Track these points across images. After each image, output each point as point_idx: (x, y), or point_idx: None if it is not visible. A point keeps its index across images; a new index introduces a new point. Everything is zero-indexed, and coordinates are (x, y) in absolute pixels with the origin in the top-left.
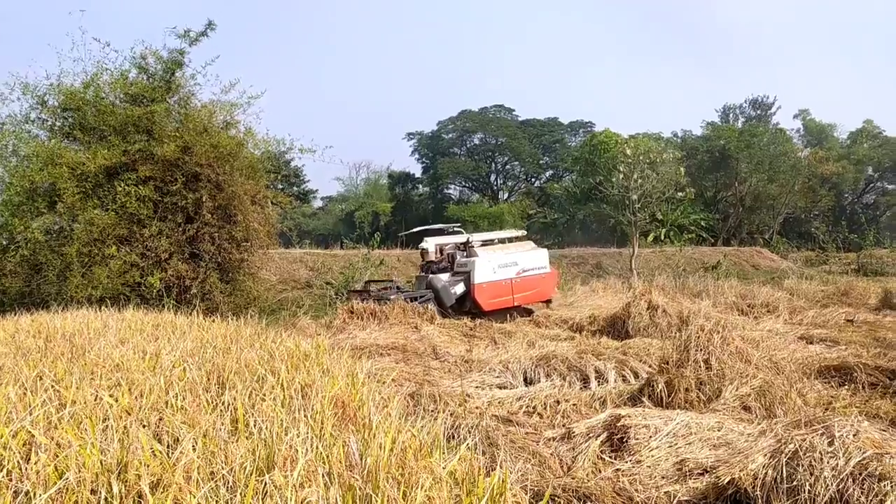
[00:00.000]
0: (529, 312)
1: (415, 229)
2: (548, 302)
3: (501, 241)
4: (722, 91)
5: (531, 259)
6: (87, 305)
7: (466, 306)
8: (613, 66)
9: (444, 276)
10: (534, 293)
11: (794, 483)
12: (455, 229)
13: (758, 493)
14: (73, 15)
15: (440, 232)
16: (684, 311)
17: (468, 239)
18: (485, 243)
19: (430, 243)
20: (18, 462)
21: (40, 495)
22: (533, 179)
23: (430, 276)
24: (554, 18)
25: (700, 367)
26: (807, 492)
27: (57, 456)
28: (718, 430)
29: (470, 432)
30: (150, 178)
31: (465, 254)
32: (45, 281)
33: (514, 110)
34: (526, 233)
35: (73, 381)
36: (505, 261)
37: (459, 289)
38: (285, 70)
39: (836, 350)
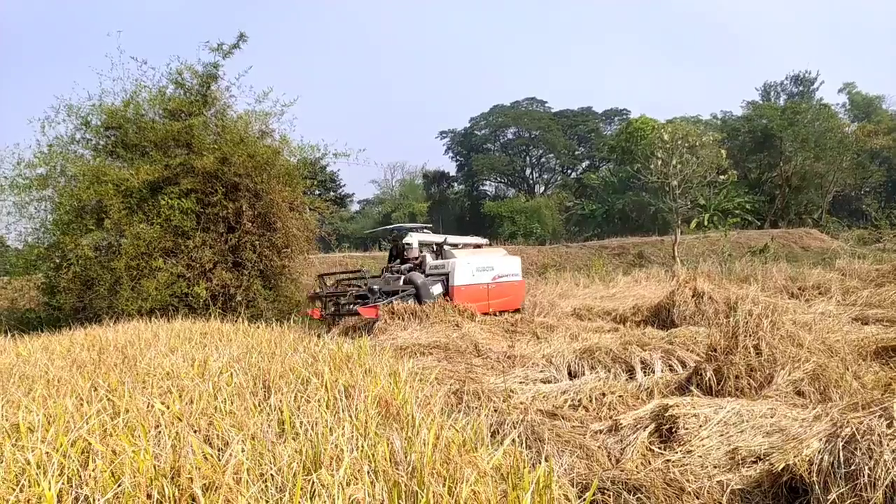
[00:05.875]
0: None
1: (379, 228)
2: (517, 311)
3: (465, 245)
4: (761, 70)
5: (506, 265)
6: (137, 317)
7: None
8: (647, 51)
9: (419, 274)
10: (506, 300)
11: (852, 467)
12: (424, 230)
13: (814, 478)
14: (111, 36)
15: (402, 230)
16: (731, 297)
17: (444, 240)
18: (454, 246)
19: (414, 239)
20: (77, 469)
21: (98, 499)
22: (569, 171)
23: (408, 273)
24: (581, 7)
25: (750, 352)
26: (866, 476)
27: (112, 462)
28: (771, 417)
29: (514, 427)
30: (192, 191)
31: (435, 255)
32: (97, 296)
33: (546, 102)
34: (489, 241)
35: (125, 390)
36: (482, 264)
37: (437, 289)
38: (315, 75)
39: (894, 330)
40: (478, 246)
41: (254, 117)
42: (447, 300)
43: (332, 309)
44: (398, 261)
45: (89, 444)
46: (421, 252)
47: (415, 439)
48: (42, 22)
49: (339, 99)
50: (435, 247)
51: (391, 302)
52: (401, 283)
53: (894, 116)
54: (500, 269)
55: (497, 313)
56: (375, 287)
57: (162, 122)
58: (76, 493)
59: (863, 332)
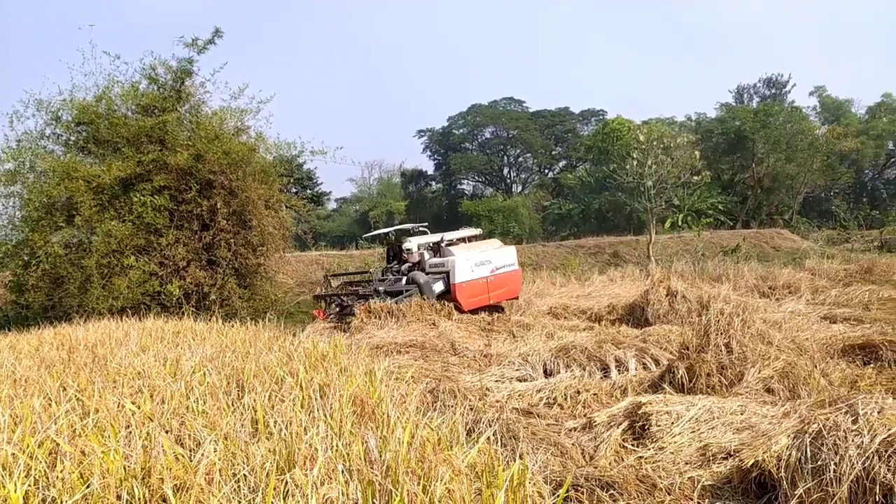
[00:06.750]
0: (501, 311)
1: (374, 232)
2: (515, 299)
3: (461, 239)
4: (735, 72)
5: (502, 257)
6: (108, 316)
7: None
8: (623, 52)
9: (421, 274)
10: (505, 291)
11: (819, 463)
12: (421, 229)
13: (782, 474)
14: (82, 30)
15: (406, 232)
16: (704, 296)
17: (441, 238)
18: (449, 243)
19: (413, 243)
20: (45, 470)
21: (66, 501)
22: (546, 171)
23: (410, 273)
24: (559, 7)
25: (721, 351)
26: (832, 471)
27: (81, 463)
28: (741, 414)
29: (490, 425)
30: (165, 188)
31: (432, 253)
32: (67, 294)
33: (524, 102)
34: (482, 231)
35: (95, 390)
36: (480, 259)
37: (439, 287)
38: (292, 73)
39: (861, 328)
40: (472, 237)
41: (229, 114)
42: (444, 300)
43: (337, 309)
44: (396, 262)
45: (57, 444)
46: (419, 251)
47: (390, 438)
48: (10, 15)
49: (316, 97)
50: (432, 245)
51: (399, 301)
52: (403, 282)
53: (863, 119)
54: (497, 261)
55: (495, 304)
56: (381, 288)
57: (135, 118)
58: (43, 494)
59: (831, 330)
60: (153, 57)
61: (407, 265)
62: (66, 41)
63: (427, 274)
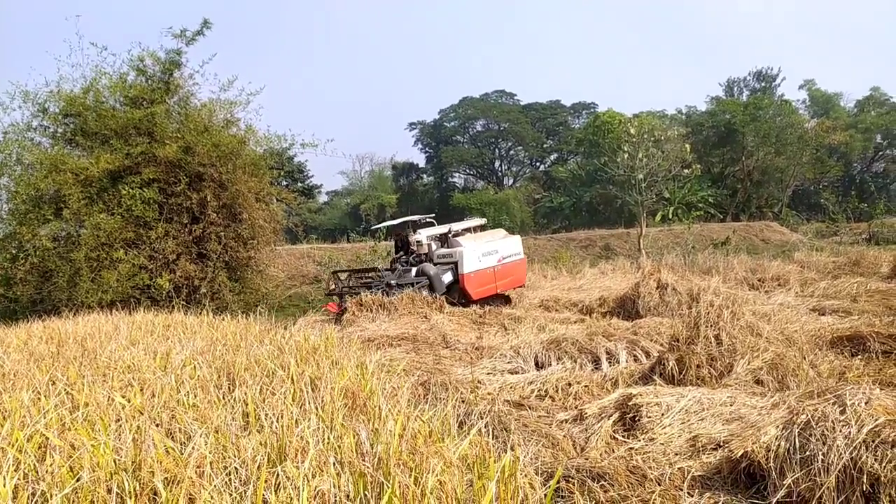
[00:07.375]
0: (508, 300)
1: (385, 223)
2: (522, 286)
3: (466, 229)
4: (725, 66)
5: (508, 246)
6: (97, 310)
7: (454, 296)
8: (614, 45)
9: (431, 265)
10: (512, 279)
11: (807, 453)
12: (428, 220)
13: (771, 464)
14: (69, 20)
15: (407, 224)
16: (694, 288)
17: (449, 229)
18: (456, 234)
19: (423, 236)
20: (34, 464)
21: (56, 494)
22: (537, 164)
23: (419, 264)
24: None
25: (711, 342)
26: (820, 461)
27: (71, 457)
28: (731, 405)
29: (481, 417)
30: (154, 180)
31: (440, 244)
32: (56, 287)
33: (515, 95)
34: (486, 221)
35: (85, 383)
36: (487, 249)
37: (447, 277)
38: (282, 66)
39: (849, 320)
40: (478, 227)
41: (218, 106)
42: (453, 291)
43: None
44: (403, 253)
45: (47, 438)
46: (427, 242)
47: (381, 430)
48: None
49: (306, 90)
50: (439, 236)
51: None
52: (412, 274)
53: (851, 113)
54: (504, 250)
55: (503, 294)
56: (392, 281)
57: (123, 110)
58: (32, 488)
59: (819, 322)
60: (141, 48)
61: (415, 256)
62: (52, 32)
63: (435, 264)
